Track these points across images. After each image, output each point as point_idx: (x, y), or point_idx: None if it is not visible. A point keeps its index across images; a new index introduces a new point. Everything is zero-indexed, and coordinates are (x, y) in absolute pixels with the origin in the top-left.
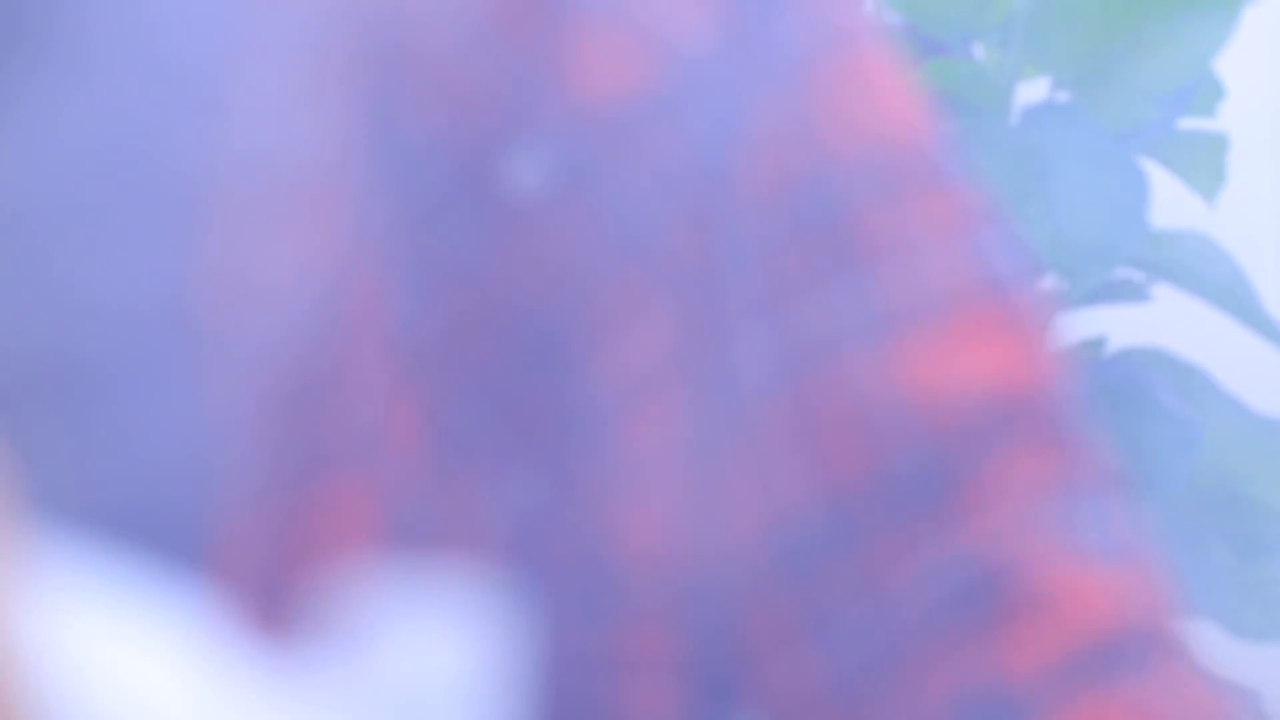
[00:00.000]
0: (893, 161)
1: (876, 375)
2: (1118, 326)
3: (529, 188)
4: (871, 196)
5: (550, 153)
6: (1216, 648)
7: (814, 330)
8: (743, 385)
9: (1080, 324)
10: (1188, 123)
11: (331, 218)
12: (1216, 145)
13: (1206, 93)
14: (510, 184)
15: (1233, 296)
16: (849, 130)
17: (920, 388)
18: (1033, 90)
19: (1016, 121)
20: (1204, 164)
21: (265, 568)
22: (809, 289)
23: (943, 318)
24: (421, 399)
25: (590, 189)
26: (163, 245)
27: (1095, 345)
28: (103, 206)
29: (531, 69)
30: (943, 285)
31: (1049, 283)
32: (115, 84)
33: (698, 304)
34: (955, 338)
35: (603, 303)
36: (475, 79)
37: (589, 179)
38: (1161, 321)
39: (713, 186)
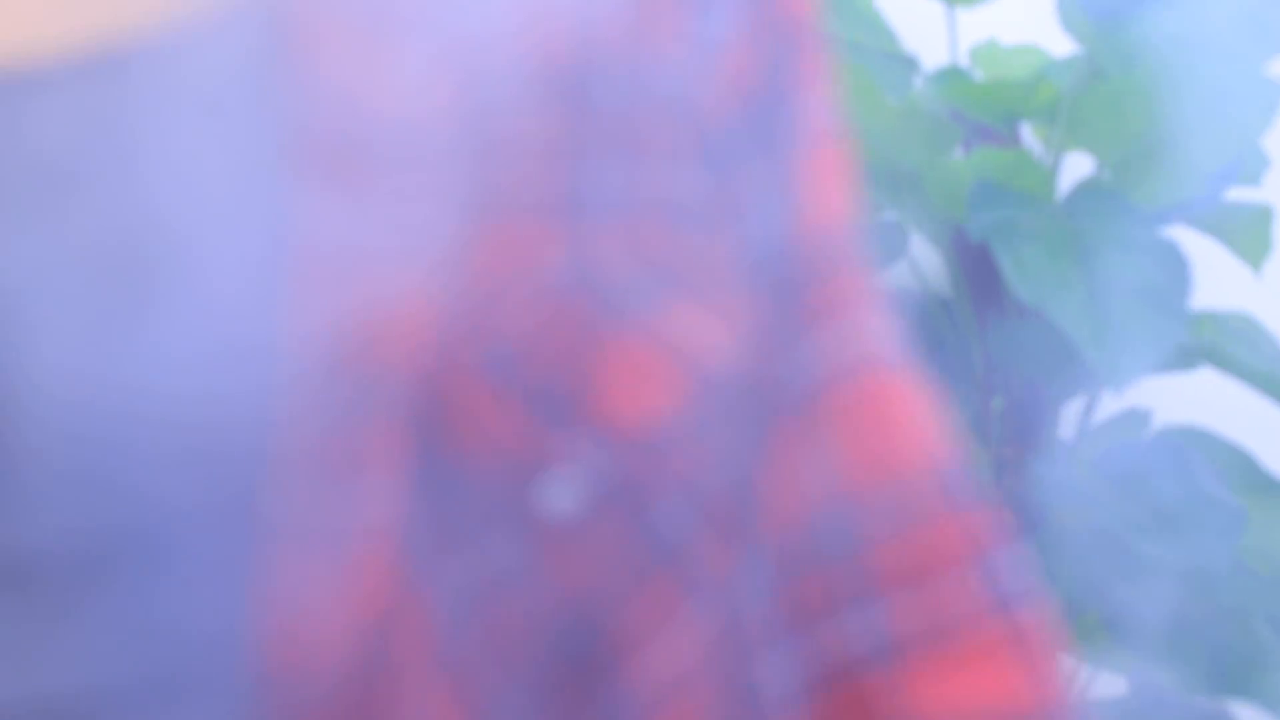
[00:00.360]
0: (906, 493)
1: (889, 696)
2: (1160, 399)
3: (564, 508)
4: (885, 528)
5: (584, 475)
6: None
7: (831, 652)
8: (764, 694)
9: (1124, 395)
10: (1233, 193)
11: (378, 551)
12: (1262, 216)
13: (1251, 164)
14: (546, 506)
15: (1274, 382)
16: (865, 461)
17: (930, 708)
18: (1078, 164)
19: (1060, 205)
20: (1249, 234)
21: None
22: (826, 614)
23: (952, 642)
24: (466, 703)
25: (622, 506)
26: (219, 580)
27: (1140, 418)
28: (164, 552)
29: (566, 395)
30: (952, 610)
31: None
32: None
33: (723, 614)
34: (964, 661)
35: (635, 609)
36: (513, 412)
37: (620, 497)
38: (1204, 398)
39: (736, 502)
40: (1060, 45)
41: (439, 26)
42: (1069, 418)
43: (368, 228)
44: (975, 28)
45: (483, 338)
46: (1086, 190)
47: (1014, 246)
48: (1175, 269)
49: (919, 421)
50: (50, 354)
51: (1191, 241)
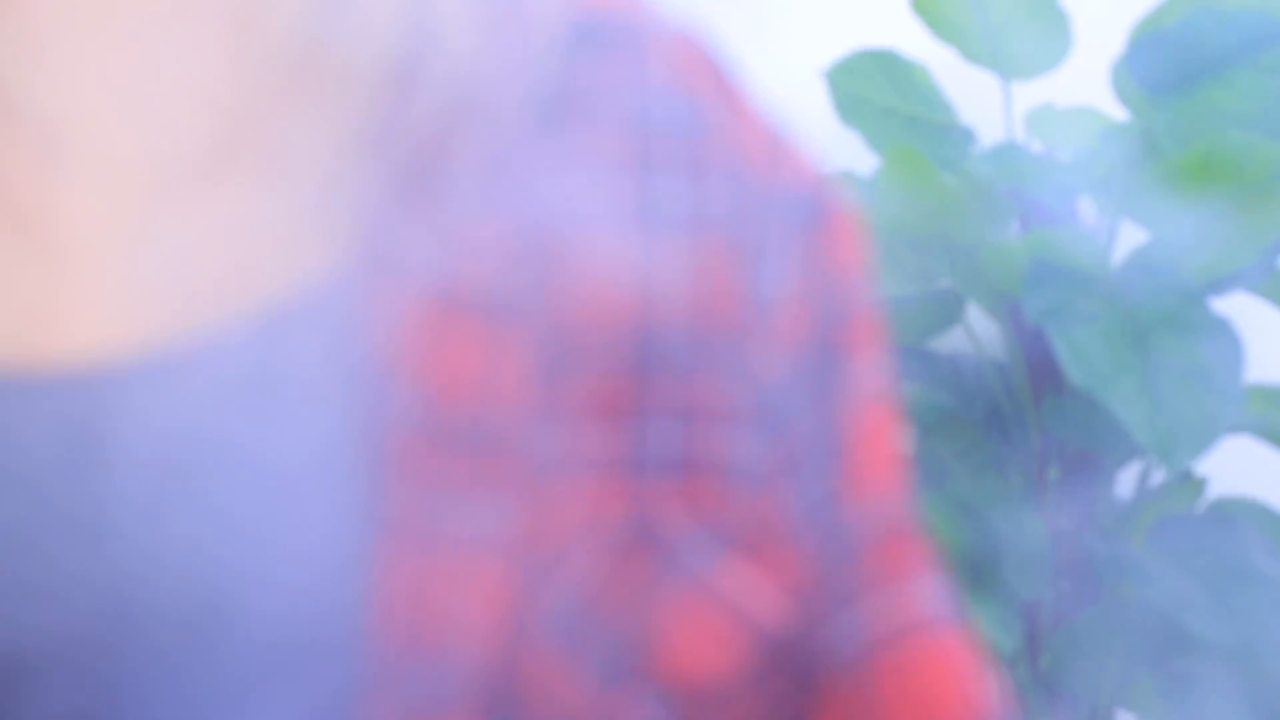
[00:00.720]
0: None
1: None
2: (1215, 466)
3: None
4: None
5: None
6: None
7: None
8: None
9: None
10: None
11: None
12: None
13: None
14: None
15: None
16: (910, 718)
17: None
18: (1133, 230)
19: (1115, 281)
20: None
21: None
22: None
23: None
24: None
25: None
26: None
27: (1195, 486)
28: None
29: (629, 653)
30: None
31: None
32: None
33: None
34: None
35: None
36: (579, 674)
37: None
38: (1259, 464)
39: None
40: (1118, 109)
41: (509, 297)
42: (1126, 478)
43: (448, 508)
44: (1033, 92)
45: (550, 597)
46: (1141, 265)
47: (1068, 330)
48: (1229, 349)
49: (964, 679)
50: (133, 647)
51: (1244, 310)
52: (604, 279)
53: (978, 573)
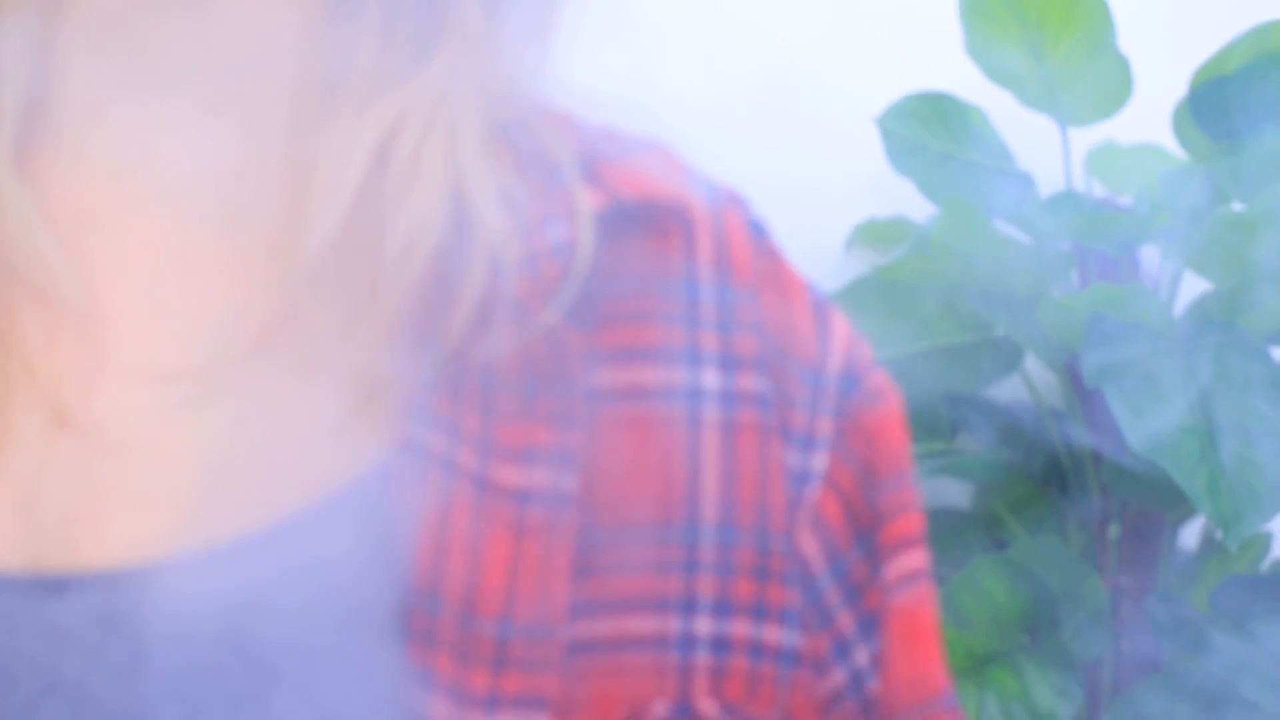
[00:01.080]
0: None
1: None
2: (1279, 524)
3: None
4: None
5: None
6: None
7: None
8: None
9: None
10: None
11: None
12: None
13: None
14: None
15: None
16: None
17: None
18: (1195, 280)
19: (1177, 339)
20: None
21: None
22: None
23: None
24: None
25: None
26: None
27: (1260, 543)
28: None
29: None
30: None
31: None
32: None
33: None
34: None
35: None
36: None
37: None
38: None
39: None
40: (1180, 155)
41: (550, 490)
42: (1190, 532)
43: (489, 702)
44: (1091, 137)
45: None
46: (1203, 320)
47: (1127, 393)
48: None
49: None
50: None
51: None
52: (645, 470)
53: (1035, 634)
